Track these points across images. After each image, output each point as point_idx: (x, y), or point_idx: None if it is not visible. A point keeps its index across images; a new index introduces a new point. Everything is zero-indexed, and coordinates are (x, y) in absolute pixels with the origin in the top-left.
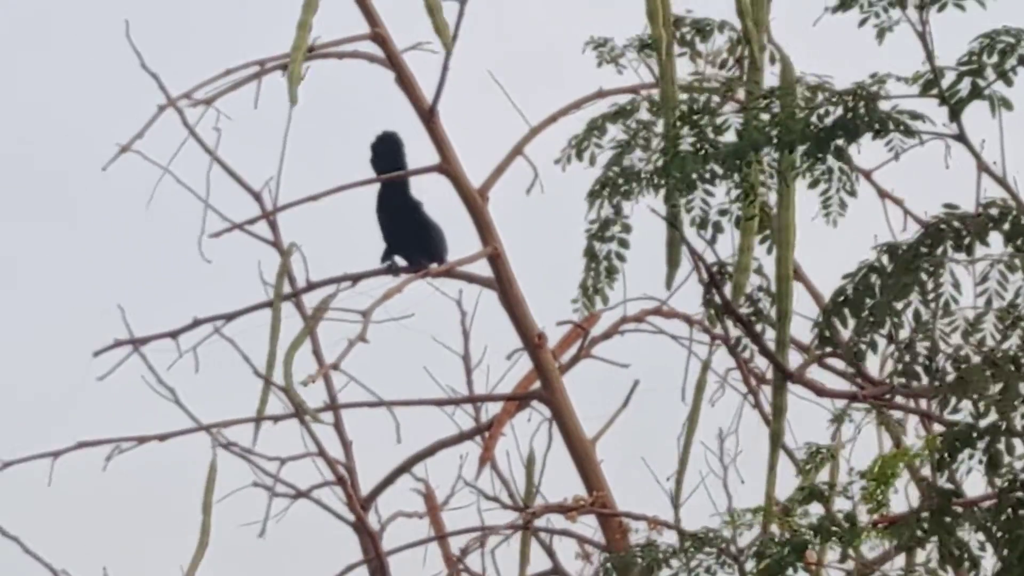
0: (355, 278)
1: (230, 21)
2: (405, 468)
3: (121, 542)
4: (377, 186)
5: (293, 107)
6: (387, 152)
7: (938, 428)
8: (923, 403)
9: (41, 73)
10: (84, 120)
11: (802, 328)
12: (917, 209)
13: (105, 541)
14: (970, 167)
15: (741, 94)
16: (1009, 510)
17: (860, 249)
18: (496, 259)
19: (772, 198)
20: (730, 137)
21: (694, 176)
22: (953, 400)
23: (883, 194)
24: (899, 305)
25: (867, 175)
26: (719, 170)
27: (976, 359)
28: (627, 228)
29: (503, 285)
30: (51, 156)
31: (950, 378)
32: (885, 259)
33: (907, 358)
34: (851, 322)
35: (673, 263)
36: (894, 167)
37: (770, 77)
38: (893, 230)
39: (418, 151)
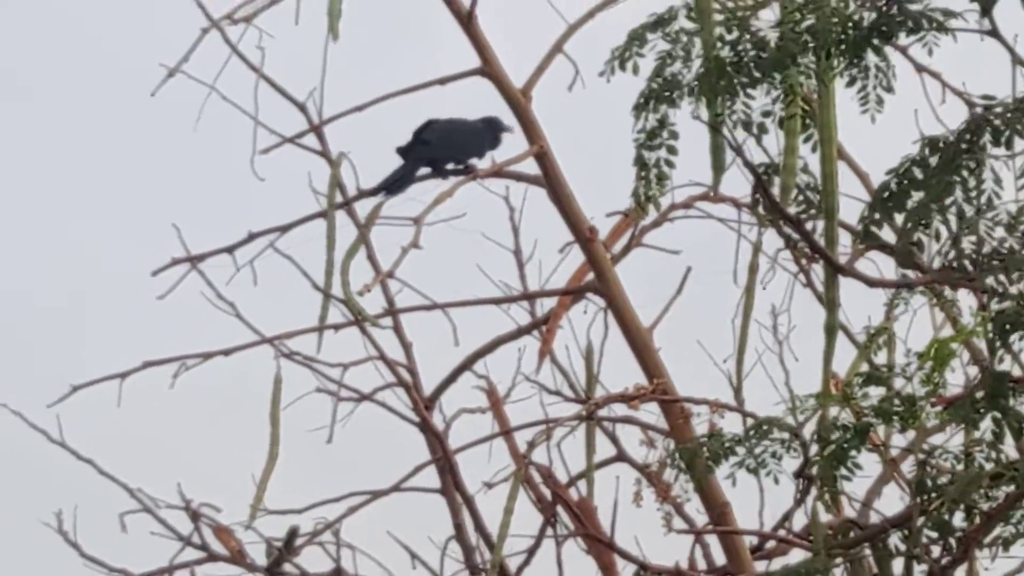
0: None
1: None
2: (466, 366)
3: (192, 457)
4: None
5: (335, 41)
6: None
7: (994, 305)
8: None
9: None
10: (124, 43)
11: (850, 210)
12: (954, 82)
13: (177, 458)
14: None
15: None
16: None
17: (900, 122)
18: (543, 157)
19: (813, 96)
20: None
21: (735, 82)
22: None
23: (920, 68)
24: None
25: (903, 50)
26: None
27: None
28: (674, 135)
29: (551, 181)
30: (96, 82)
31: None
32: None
33: (953, 253)
34: (897, 217)
35: (718, 168)
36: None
37: None
38: (932, 103)
39: (458, 56)
